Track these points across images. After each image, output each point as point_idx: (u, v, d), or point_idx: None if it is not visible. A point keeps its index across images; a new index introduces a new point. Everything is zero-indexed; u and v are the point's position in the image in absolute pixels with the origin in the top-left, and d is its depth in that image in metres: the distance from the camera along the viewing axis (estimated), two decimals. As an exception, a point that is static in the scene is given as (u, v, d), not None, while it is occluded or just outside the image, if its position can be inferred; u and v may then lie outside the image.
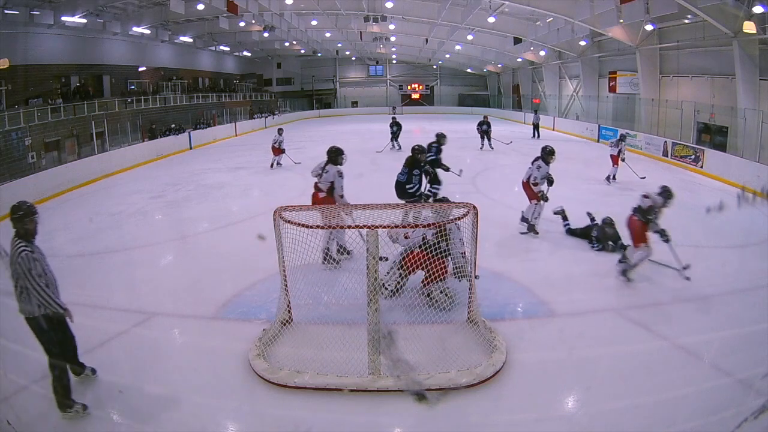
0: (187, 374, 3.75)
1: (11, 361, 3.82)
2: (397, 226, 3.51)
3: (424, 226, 4.06)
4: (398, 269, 4.41)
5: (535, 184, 6.93)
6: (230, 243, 6.92)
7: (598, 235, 6.43)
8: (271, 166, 13.22)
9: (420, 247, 4.40)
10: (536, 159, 7.10)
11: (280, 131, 13.53)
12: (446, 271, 4.35)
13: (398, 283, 4.44)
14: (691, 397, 3.34)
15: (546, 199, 6.92)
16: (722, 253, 6.30)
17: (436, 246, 4.19)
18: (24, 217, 3.28)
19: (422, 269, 4.46)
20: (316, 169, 5.85)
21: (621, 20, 14.73)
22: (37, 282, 3.18)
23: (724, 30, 12.19)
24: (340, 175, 5.69)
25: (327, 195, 5.75)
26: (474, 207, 3.94)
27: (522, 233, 6.98)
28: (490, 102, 36.13)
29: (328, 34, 27.12)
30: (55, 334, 3.31)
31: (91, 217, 8.68)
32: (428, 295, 4.44)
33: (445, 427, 3.15)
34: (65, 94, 17.18)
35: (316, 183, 5.88)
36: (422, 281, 4.52)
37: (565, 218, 7.04)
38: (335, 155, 5.80)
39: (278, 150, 13.27)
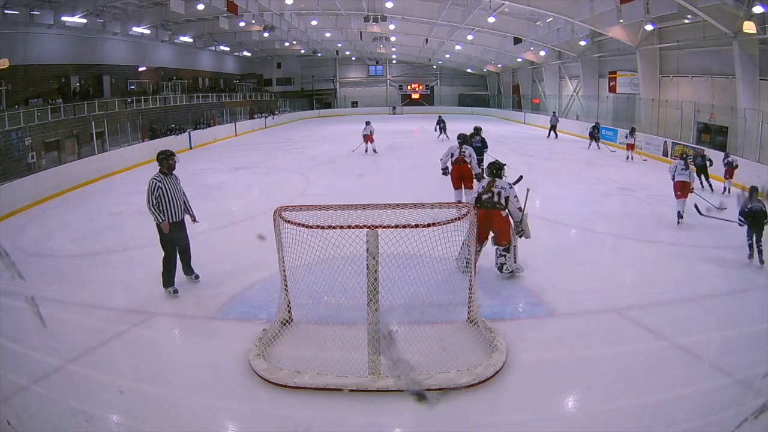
0: (187, 374, 3.75)
1: (11, 361, 3.81)
2: (397, 226, 3.50)
3: (424, 226, 4.05)
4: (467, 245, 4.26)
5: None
6: (230, 243, 6.91)
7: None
8: (366, 151, 15.43)
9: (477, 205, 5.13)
10: (687, 164, 7.75)
11: (368, 123, 15.78)
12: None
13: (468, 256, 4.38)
14: (691, 397, 3.33)
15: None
16: (722, 253, 6.30)
17: (497, 203, 5.16)
18: (166, 158, 5.02)
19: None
20: (454, 150, 7.81)
21: (621, 20, 14.74)
22: (151, 203, 4.87)
23: (724, 30, 12.20)
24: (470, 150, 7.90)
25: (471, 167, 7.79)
26: (474, 207, 3.94)
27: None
28: (490, 102, 36.14)
29: (328, 34, 27.13)
30: (171, 236, 4.98)
31: (91, 217, 8.68)
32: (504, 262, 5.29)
33: (445, 427, 3.15)
34: (65, 94, 17.18)
35: (462, 158, 7.75)
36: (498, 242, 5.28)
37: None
38: (470, 137, 8.74)
39: (369, 137, 15.43)
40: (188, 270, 5.32)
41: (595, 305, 4.75)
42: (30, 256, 6.72)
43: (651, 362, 3.77)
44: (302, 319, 4.20)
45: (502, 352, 3.73)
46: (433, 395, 3.30)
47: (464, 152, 7.79)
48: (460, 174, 7.83)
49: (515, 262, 5.32)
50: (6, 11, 14.07)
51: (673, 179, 7.67)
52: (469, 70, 36.89)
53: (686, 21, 14.24)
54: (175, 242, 5.06)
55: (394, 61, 38.17)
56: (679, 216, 7.49)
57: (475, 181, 7.63)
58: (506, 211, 5.23)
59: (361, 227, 3.41)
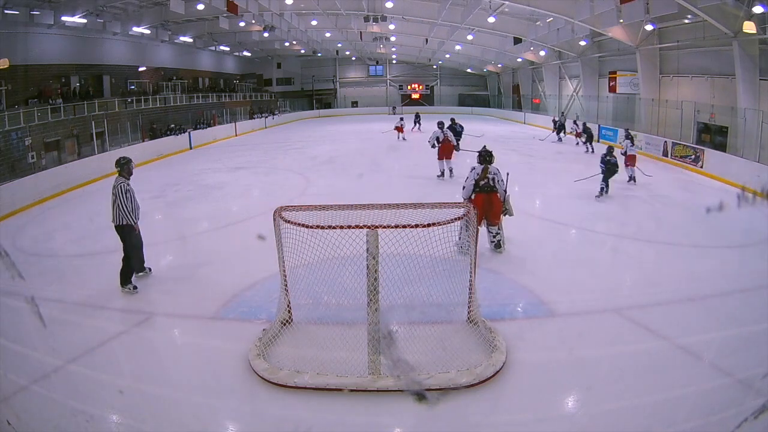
0: (187, 374, 3.75)
1: (11, 361, 3.82)
2: (397, 226, 3.50)
3: (424, 226, 4.05)
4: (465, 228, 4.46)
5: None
6: (230, 243, 6.92)
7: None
8: (398, 138, 18.87)
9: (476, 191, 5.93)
10: (633, 141, 10.92)
11: (402, 118, 19.91)
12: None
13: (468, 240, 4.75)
14: (691, 397, 3.34)
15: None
16: (722, 253, 6.30)
17: (493, 187, 5.91)
18: (127, 164, 5.39)
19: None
20: (439, 134, 10.85)
21: (621, 20, 14.73)
22: (127, 207, 5.15)
23: (724, 30, 12.19)
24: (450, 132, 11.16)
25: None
26: (474, 207, 3.94)
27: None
28: (490, 102, 36.13)
29: (328, 34, 27.12)
30: (130, 238, 5.21)
31: (91, 217, 8.66)
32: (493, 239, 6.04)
33: (445, 427, 3.15)
34: (65, 94, 17.18)
35: (447, 138, 10.80)
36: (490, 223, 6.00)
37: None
38: (453, 124, 13.16)
39: (400, 129, 19.17)
40: (143, 267, 5.59)
41: (595, 305, 4.75)
42: (30, 256, 6.72)
43: (651, 362, 3.77)
44: (302, 319, 4.20)
45: (502, 352, 3.73)
46: (433, 395, 3.30)
47: (447, 134, 10.88)
48: (446, 150, 10.88)
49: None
50: (6, 11, 14.06)
51: (625, 154, 10.23)
52: (469, 70, 36.86)
53: (686, 21, 14.22)
54: (139, 242, 5.39)
55: (394, 61, 38.14)
56: (632, 179, 10.24)
57: (454, 152, 11.10)
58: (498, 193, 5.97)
59: (361, 227, 3.41)
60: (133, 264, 5.29)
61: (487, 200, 5.92)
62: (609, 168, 9.03)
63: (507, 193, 6.11)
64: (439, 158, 10.89)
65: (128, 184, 5.27)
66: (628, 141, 10.55)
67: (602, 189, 9.00)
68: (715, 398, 3.31)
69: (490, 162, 6.04)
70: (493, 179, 5.96)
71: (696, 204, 8.86)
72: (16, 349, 3.92)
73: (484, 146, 6.39)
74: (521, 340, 4.03)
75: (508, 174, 6.17)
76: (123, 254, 5.23)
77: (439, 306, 4.28)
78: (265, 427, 3.22)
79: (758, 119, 11.67)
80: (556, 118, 19.96)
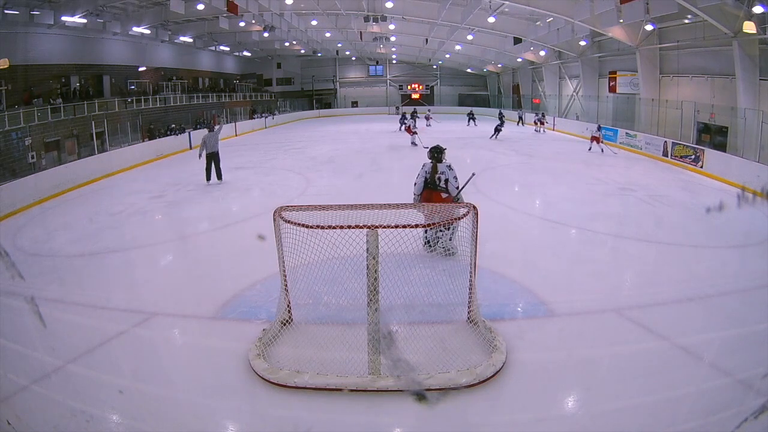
0: (187, 374, 3.75)
1: (11, 361, 3.81)
2: (397, 226, 3.50)
3: (424, 226, 4.05)
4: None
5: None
6: (230, 243, 6.91)
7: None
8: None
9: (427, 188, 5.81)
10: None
11: (412, 114, 22.80)
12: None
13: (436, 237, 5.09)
14: (691, 397, 3.33)
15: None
16: (722, 253, 6.30)
17: (439, 186, 5.74)
18: (214, 125, 12.77)
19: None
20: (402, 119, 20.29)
21: (621, 20, 14.74)
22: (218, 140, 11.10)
23: (724, 30, 12.20)
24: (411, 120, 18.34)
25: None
26: (474, 207, 3.94)
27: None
28: (490, 102, 36.14)
29: (328, 34, 27.14)
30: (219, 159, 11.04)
31: (91, 217, 8.67)
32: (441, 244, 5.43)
33: (445, 427, 3.14)
34: (65, 94, 17.18)
35: (407, 125, 18.67)
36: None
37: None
38: (409, 114, 22.12)
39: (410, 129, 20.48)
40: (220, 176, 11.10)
41: (595, 305, 4.74)
42: (30, 256, 6.71)
43: (651, 362, 3.77)
44: (302, 319, 4.20)
45: (502, 352, 3.72)
46: (433, 395, 3.30)
47: (408, 122, 18.66)
48: (408, 131, 18.19)
49: (450, 239, 5.29)
50: (6, 11, 14.08)
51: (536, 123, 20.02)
52: (469, 70, 36.87)
53: (686, 21, 14.24)
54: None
55: (394, 61, 38.15)
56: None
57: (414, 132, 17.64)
58: (447, 192, 5.81)
59: (361, 227, 3.40)
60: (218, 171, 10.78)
61: (428, 197, 5.74)
62: (497, 129, 18.91)
63: (460, 190, 5.83)
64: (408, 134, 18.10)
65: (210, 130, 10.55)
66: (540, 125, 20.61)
67: (491, 137, 18.53)
68: (715, 398, 3.31)
69: (439, 160, 5.84)
70: (445, 180, 5.75)
71: (696, 204, 8.86)
72: (16, 349, 3.92)
73: (437, 144, 6.14)
74: (521, 340, 4.03)
75: (473, 174, 5.93)
76: (215, 170, 10.80)
77: (439, 306, 4.28)
78: (265, 427, 3.22)
79: (758, 119, 11.68)
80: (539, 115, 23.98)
